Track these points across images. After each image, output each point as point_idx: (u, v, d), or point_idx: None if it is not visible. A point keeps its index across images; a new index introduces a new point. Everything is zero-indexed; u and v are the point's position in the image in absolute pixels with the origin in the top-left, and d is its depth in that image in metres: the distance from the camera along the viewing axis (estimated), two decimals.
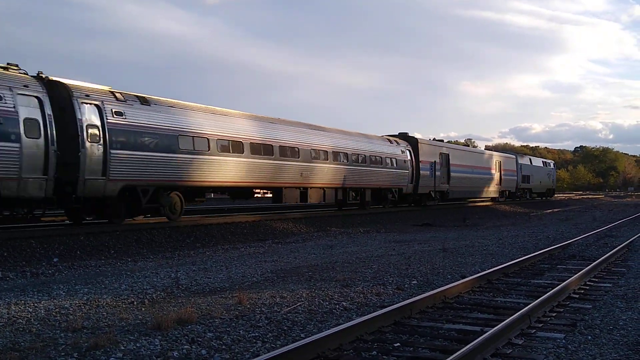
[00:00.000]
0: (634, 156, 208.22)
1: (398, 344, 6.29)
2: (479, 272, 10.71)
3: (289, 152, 23.35)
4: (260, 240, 17.80)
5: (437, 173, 35.82)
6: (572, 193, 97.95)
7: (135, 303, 8.21)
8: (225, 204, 32.32)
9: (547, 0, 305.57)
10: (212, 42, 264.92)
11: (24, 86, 14.49)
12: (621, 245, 15.52)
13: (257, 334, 6.58)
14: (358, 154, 28.81)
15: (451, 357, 5.30)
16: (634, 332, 6.94)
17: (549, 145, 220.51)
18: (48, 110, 14.73)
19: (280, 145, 22.83)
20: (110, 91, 16.92)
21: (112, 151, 15.97)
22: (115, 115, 16.28)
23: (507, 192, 49.65)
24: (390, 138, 33.78)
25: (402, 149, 33.31)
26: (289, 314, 7.54)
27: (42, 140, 14.44)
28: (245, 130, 21.24)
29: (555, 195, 66.79)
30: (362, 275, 10.72)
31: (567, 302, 8.55)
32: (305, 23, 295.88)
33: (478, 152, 51.60)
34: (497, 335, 6.20)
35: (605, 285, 10.14)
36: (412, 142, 34.73)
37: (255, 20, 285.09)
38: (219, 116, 20.52)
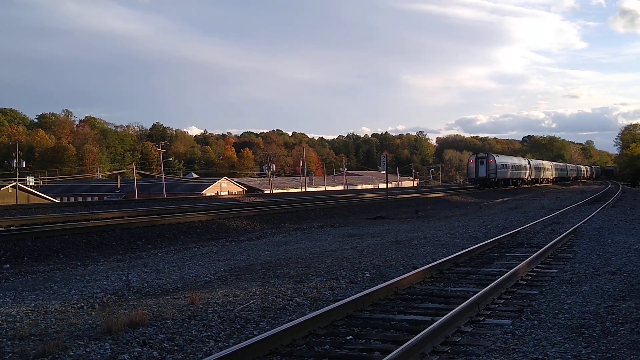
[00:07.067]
0: (578, 144, 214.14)
1: (350, 336, 6.35)
2: (430, 263, 10.86)
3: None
4: (213, 240, 17.68)
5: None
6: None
7: (85, 308, 8.07)
8: (177, 205, 32.02)
9: None
10: (158, 38, 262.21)
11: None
12: (567, 232, 15.97)
13: (209, 334, 6.56)
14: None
15: (401, 348, 5.38)
16: (578, 316, 7.17)
17: (497, 136, 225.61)
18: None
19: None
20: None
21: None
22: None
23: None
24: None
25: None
26: (242, 312, 7.52)
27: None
28: None
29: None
30: (315, 271, 10.77)
31: (515, 289, 8.77)
32: (249, 18, 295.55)
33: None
34: (447, 324, 6.33)
35: (551, 271, 10.43)
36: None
37: (199, 17, 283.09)
38: None
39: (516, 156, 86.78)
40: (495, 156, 60.51)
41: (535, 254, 11.37)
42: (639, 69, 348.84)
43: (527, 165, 71.76)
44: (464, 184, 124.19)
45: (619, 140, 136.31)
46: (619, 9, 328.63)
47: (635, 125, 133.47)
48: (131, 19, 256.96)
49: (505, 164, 61.98)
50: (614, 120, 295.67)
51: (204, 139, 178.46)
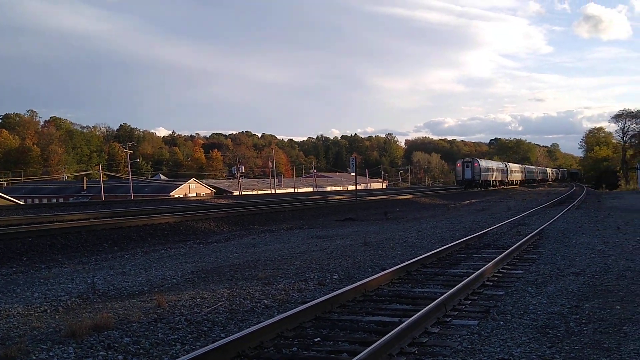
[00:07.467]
0: (544, 147, 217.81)
1: (318, 338, 6.35)
2: (398, 264, 10.90)
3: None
4: (181, 242, 17.52)
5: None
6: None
7: (48, 311, 7.93)
8: (144, 206, 31.74)
9: None
10: (124, 39, 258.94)
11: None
12: (532, 233, 16.19)
13: (176, 337, 6.49)
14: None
15: (369, 349, 5.39)
16: (543, 316, 7.27)
17: (465, 139, 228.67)
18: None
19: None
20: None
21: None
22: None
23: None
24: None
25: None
26: (209, 315, 7.47)
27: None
28: None
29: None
30: (284, 272, 10.74)
31: (481, 290, 8.86)
32: (218, 19, 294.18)
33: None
34: (414, 325, 6.36)
35: (517, 272, 10.57)
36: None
37: (166, 17, 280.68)
38: None
39: (493, 160, 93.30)
40: (479, 161, 69.21)
41: (501, 255, 11.50)
42: (603, 73, 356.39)
43: (505, 168, 79.40)
44: (432, 185, 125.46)
45: (583, 144, 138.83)
46: (583, 14, 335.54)
47: (599, 129, 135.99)
48: (97, 18, 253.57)
49: (487, 168, 69.97)
50: (579, 124, 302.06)
51: (172, 140, 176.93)
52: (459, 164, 68.94)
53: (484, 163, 70.25)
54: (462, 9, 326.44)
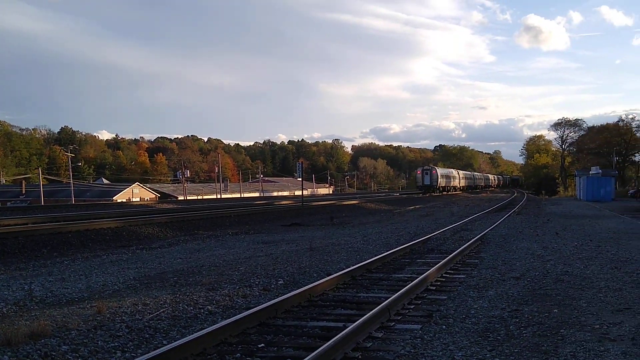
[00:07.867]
0: (487, 154, 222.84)
1: (262, 344, 6.31)
2: (343, 269, 10.96)
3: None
4: (123, 247, 17.16)
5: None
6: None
7: None
8: (86, 211, 31.02)
9: (402, 4, 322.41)
10: (67, 39, 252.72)
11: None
12: (475, 238, 16.50)
13: (116, 344, 6.34)
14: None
15: (312, 354, 5.38)
16: (484, 320, 7.41)
17: (410, 145, 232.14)
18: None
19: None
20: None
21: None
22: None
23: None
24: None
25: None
26: (151, 321, 7.33)
27: None
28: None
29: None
30: (228, 278, 10.64)
31: (425, 294, 8.97)
32: (163, 21, 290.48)
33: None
34: (358, 330, 6.38)
35: (459, 276, 10.74)
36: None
37: (109, 18, 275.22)
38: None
39: (438, 167, 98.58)
40: (437, 168, 78.50)
41: (444, 260, 11.67)
42: (543, 82, 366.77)
43: (457, 175, 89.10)
44: (379, 191, 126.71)
45: (524, 151, 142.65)
46: (524, 25, 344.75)
47: (539, 137, 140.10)
48: (39, 18, 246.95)
49: (443, 175, 79.18)
50: (520, 132, 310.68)
51: (115, 144, 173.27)
52: (419, 171, 77.24)
53: (441, 171, 79.32)
54: (408, 17, 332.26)
